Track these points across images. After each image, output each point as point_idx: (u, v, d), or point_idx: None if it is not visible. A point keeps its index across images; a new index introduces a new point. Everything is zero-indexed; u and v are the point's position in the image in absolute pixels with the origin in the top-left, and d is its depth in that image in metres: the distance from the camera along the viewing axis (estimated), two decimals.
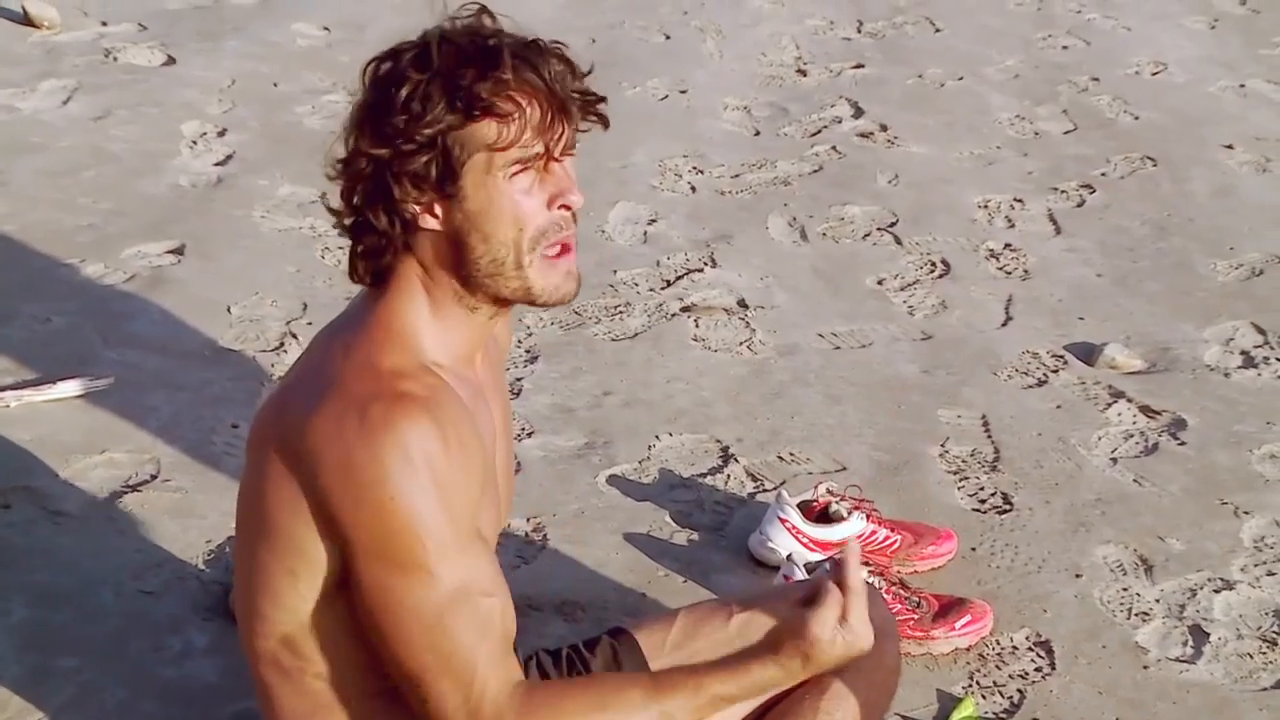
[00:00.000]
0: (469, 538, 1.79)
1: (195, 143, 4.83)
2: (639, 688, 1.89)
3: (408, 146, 1.76)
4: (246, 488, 1.90)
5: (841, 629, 1.91)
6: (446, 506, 1.75)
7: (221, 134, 4.90)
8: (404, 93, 1.76)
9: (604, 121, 1.89)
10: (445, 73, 1.76)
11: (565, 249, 1.85)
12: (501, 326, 2.12)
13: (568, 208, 1.83)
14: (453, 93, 1.75)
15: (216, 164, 4.69)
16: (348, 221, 1.86)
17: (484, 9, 1.84)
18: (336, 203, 1.87)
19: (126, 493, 3.04)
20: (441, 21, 1.82)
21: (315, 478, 1.75)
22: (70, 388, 3.35)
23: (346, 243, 1.89)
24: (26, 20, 5.63)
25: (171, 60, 5.49)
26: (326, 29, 5.86)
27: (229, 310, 3.81)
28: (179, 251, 4.09)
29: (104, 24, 5.77)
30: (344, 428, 1.73)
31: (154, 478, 3.11)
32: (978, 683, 2.72)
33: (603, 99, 1.88)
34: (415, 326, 1.85)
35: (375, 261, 1.85)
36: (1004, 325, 4.07)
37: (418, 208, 1.80)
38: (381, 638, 1.79)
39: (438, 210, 1.81)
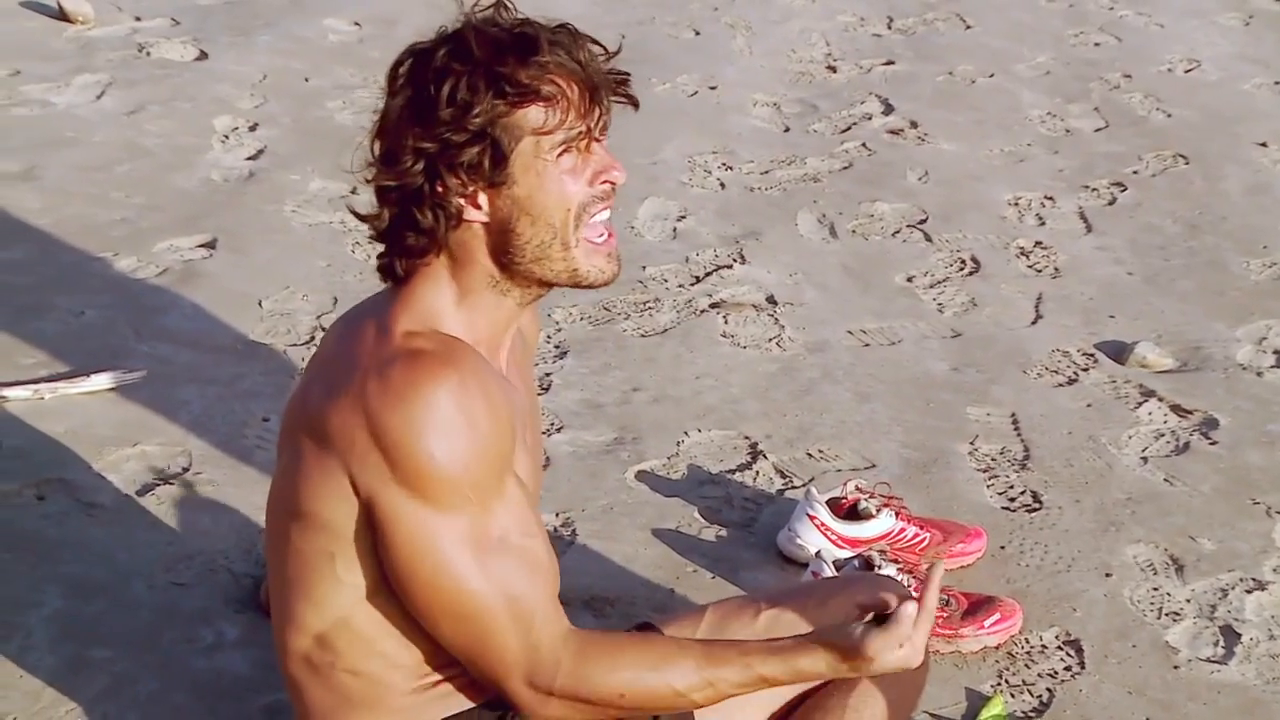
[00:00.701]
0: (509, 482, 1.81)
1: (227, 137, 4.85)
2: (692, 656, 1.90)
3: (458, 138, 1.78)
4: (279, 482, 1.91)
5: (901, 648, 1.90)
6: (480, 452, 1.76)
7: (253, 129, 4.92)
8: (448, 86, 1.77)
9: (633, 102, 1.91)
10: (486, 62, 1.78)
11: (608, 236, 1.90)
12: (529, 321, 2.13)
13: (611, 183, 1.87)
14: (496, 81, 1.77)
15: (248, 158, 4.71)
16: (382, 225, 1.85)
17: (500, 1, 1.85)
18: (364, 208, 1.87)
19: (158, 485, 3.06)
20: (460, 16, 1.83)
21: (349, 451, 1.76)
22: (103, 380, 3.38)
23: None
24: (61, 15, 5.67)
25: (204, 55, 5.51)
26: (357, 24, 5.88)
27: (260, 304, 3.83)
28: (211, 245, 4.12)
29: (137, 19, 5.80)
30: (367, 395, 1.75)
31: (185, 470, 3.12)
32: (1006, 681, 2.71)
33: (629, 75, 1.90)
34: (434, 305, 1.86)
35: (415, 260, 1.85)
36: (1034, 323, 4.06)
37: (463, 200, 1.81)
38: (437, 592, 1.78)
39: (481, 201, 1.82)
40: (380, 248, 1.88)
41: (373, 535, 1.81)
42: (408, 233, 1.83)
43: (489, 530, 1.78)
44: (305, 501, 1.83)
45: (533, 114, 1.79)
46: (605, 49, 1.88)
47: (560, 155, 1.82)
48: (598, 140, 1.86)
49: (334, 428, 1.77)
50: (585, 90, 1.82)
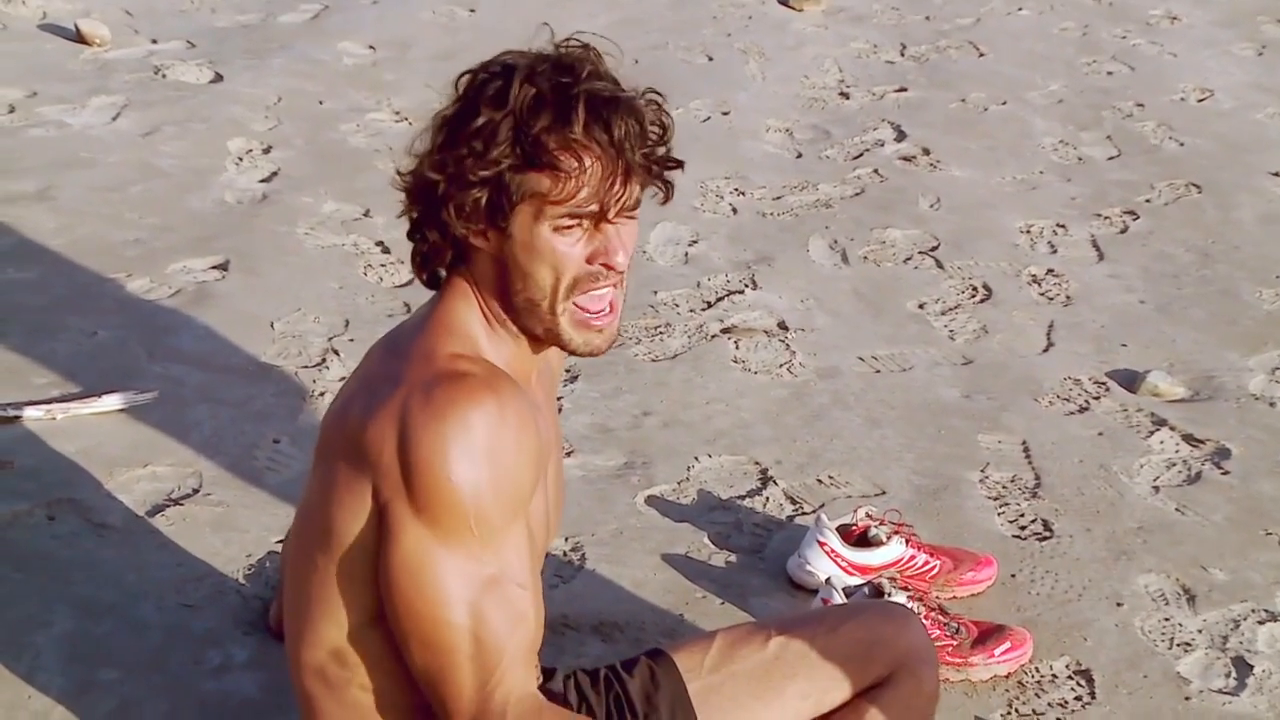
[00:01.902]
0: (517, 524, 1.79)
1: (241, 159, 4.87)
2: None
3: (467, 177, 1.77)
4: (310, 498, 1.91)
5: None
6: (499, 489, 1.75)
7: (267, 151, 4.94)
8: (472, 127, 1.76)
9: (668, 190, 1.86)
10: (518, 114, 1.75)
11: (606, 311, 1.85)
12: (555, 352, 2.13)
13: (608, 266, 1.82)
14: (520, 138, 1.75)
15: (262, 180, 4.73)
16: (408, 227, 1.88)
17: (588, 47, 1.81)
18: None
19: (169, 506, 3.06)
20: (545, 47, 1.80)
21: (377, 464, 1.75)
22: (114, 401, 3.38)
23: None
24: (79, 37, 5.71)
25: (219, 77, 5.54)
26: (372, 48, 5.90)
27: (272, 326, 3.84)
28: (223, 267, 4.13)
29: (154, 41, 5.84)
30: (409, 410, 1.74)
31: (196, 491, 3.13)
32: (1016, 710, 2.70)
33: (677, 164, 1.85)
34: (472, 328, 1.86)
35: (430, 265, 1.89)
36: (1045, 351, 4.05)
37: (465, 232, 1.82)
38: (412, 615, 1.77)
39: (489, 236, 1.82)
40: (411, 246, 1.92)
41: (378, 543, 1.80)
42: (421, 240, 1.86)
43: (483, 569, 1.76)
44: (333, 519, 1.83)
45: (546, 179, 1.76)
46: (664, 130, 1.81)
47: (565, 228, 1.78)
48: (611, 222, 1.80)
49: (369, 440, 1.77)
50: (611, 171, 1.76)
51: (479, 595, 1.76)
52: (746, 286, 4.30)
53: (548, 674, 2.14)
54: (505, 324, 1.88)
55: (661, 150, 1.84)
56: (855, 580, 2.87)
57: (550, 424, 2.01)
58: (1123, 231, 4.86)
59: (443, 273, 1.90)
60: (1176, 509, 3.33)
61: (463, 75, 1.82)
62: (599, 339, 1.87)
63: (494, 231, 1.81)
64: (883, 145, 5.46)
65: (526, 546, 1.83)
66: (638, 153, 1.78)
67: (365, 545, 1.81)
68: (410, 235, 1.89)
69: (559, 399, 3.61)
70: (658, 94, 1.83)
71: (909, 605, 2.70)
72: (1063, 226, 4.85)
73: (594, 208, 1.78)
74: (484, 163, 1.76)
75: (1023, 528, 3.24)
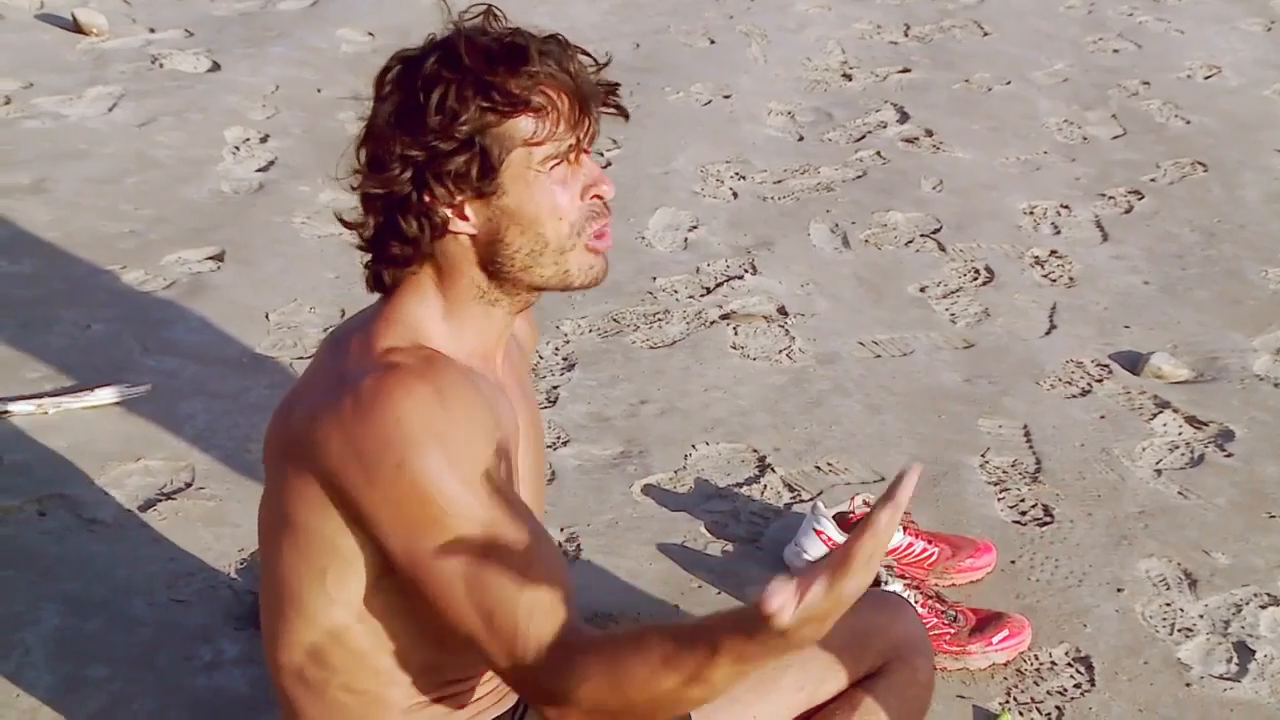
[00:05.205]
0: (488, 490, 1.74)
1: (238, 149, 4.85)
2: (659, 642, 1.65)
3: (445, 146, 1.75)
4: (268, 498, 1.89)
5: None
6: (454, 463, 1.71)
7: (264, 140, 4.92)
8: (437, 94, 1.75)
9: (623, 112, 1.89)
10: (476, 71, 1.75)
11: (603, 238, 1.86)
12: (525, 328, 2.10)
13: (599, 197, 1.84)
14: (486, 90, 1.75)
15: (258, 170, 4.71)
16: (369, 233, 1.84)
17: (490, 9, 1.83)
18: (351, 216, 1.86)
19: (161, 500, 3.05)
20: (449, 24, 1.81)
21: (328, 467, 1.74)
22: (107, 395, 3.36)
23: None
24: (76, 27, 5.68)
25: (216, 66, 5.51)
26: (371, 35, 5.87)
27: (267, 317, 3.82)
28: (219, 258, 4.11)
29: (151, 31, 5.81)
30: (341, 409, 1.73)
31: (189, 485, 3.11)
32: (1015, 699, 2.67)
33: (618, 85, 1.88)
34: (419, 319, 1.84)
35: (400, 269, 1.84)
36: (1048, 334, 4.02)
37: (449, 211, 1.79)
38: (432, 609, 1.75)
39: (469, 212, 1.80)
40: (367, 257, 1.86)
41: (367, 551, 1.78)
42: (393, 241, 1.81)
43: (468, 541, 1.72)
44: (294, 515, 1.81)
45: (523, 124, 1.76)
46: (595, 59, 1.86)
47: (552, 167, 1.79)
48: (585, 152, 1.83)
49: (313, 440, 1.75)
50: (575, 101, 1.79)
51: (475, 570, 1.72)
52: (746, 272, 4.26)
53: None
54: (483, 296, 1.85)
55: (603, 77, 1.87)
56: None
57: (522, 407, 1.98)
58: (1127, 212, 4.81)
59: (388, 278, 1.86)
60: (1179, 492, 3.29)
61: (387, 69, 1.80)
62: (601, 263, 1.87)
63: (477, 201, 1.79)
64: (885, 127, 5.41)
65: (506, 503, 1.76)
66: (590, 82, 1.82)
67: (330, 545, 1.79)
68: (373, 243, 1.84)
69: (555, 388, 3.59)
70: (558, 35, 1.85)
71: (905, 594, 2.68)
72: (1066, 207, 4.81)
73: (571, 140, 1.80)
74: (459, 123, 1.74)
75: (1023, 513, 3.21)
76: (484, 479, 1.76)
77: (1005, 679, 2.71)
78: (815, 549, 2.92)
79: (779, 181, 4.90)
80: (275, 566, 1.88)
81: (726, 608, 2.72)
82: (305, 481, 1.77)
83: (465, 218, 1.80)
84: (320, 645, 1.87)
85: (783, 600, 1.47)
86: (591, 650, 1.71)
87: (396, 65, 1.81)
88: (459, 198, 1.79)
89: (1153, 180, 5.05)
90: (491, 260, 1.83)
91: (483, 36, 1.79)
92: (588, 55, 1.85)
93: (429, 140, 1.76)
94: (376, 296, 1.92)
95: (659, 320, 3.96)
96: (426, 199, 1.78)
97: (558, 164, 1.80)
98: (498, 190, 1.79)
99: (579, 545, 3.02)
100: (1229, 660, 2.78)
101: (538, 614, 1.72)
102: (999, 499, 3.25)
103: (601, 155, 4.88)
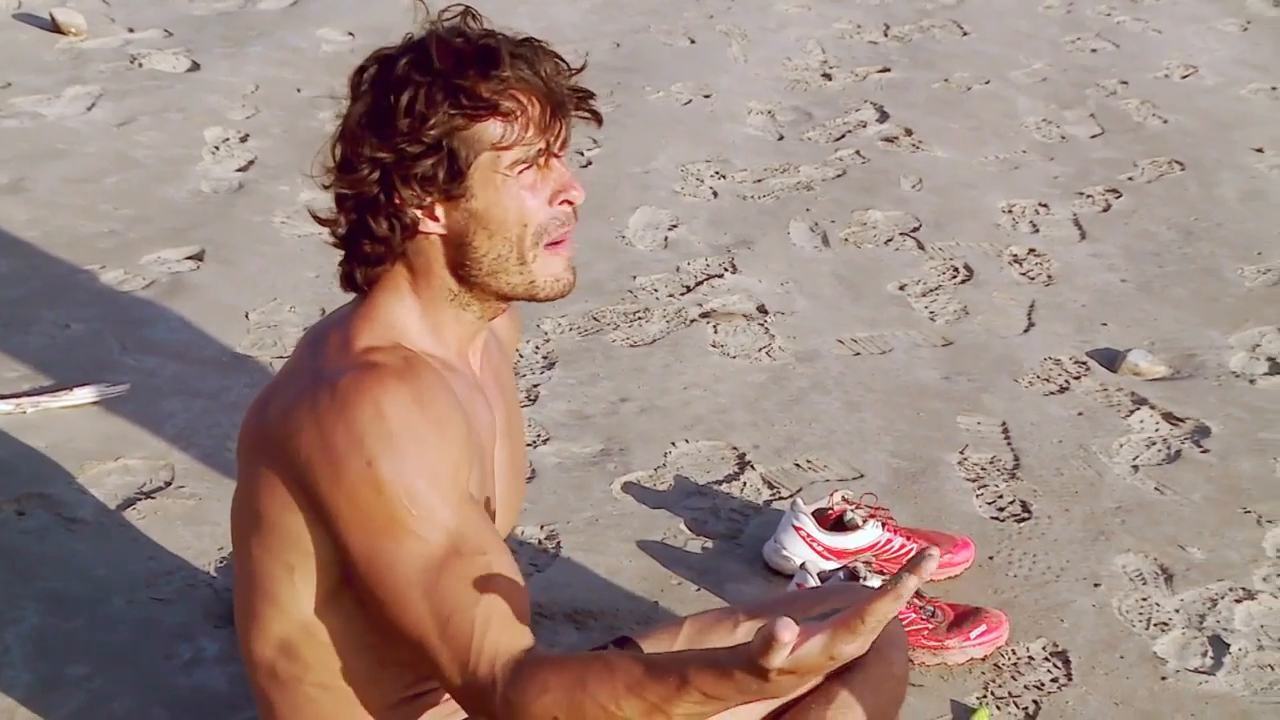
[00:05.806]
0: (456, 498, 1.75)
1: (217, 149, 4.84)
2: (625, 673, 1.67)
3: (413, 149, 1.76)
4: (239, 494, 1.90)
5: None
6: (426, 467, 1.72)
7: (244, 140, 4.91)
8: (406, 96, 1.76)
9: (597, 118, 1.90)
10: (446, 74, 1.76)
11: (563, 241, 1.87)
12: (506, 325, 2.11)
13: (569, 203, 1.85)
14: (455, 94, 1.76)
15: (238, 170, 4.70)
16: (341, 231, 1.85)
17: (468, 10, 1.84)
18: (326, 214, 1.87)
19: (140, 499, 3.05)
20: (425, 25, 1.82)
21: (297, 461, 1.74)
22: (86, 394, 3.36)
23: None
24: (54, 27, 5.67)
25: (196, 66, 5.51)
26: (351, 34, 5.87)
27: (247, 316, 3.82)
28: (199, 258, 4.10)
29: (130, 30, 5.80)
30: (317, 404, 1.73)
31: (168, 484, 3.11)
32: (992, 693, 2.69)
33: (593, 94, 1.89)
34: (397, 318, 1.84)
35: (372, 269, 1.85)
36: (1026, 331, 4.03)
37: (419, 212, 1.80)
38: (384, 612, 1.75)
39: (439, 213, 1.81)
40: (340, 255, 1.87)
41: (331, 549, 1.78)
42: (364, 240, 1.82)
43: (431, 548, 1.72)
44: (263, 511, 1.82)
45: (491, 128, 1.77)
46: (569, 66, 1.86)
47: (521, 171, 1.80)
48: (556, 156, 1.84)
49: (286, 434, 1.75)
50: (546, 106, 1.80)
51: (434, 575, 1.72)
52: (726, 270, 4.27)
53: None
54: (454, 299, 1.86)
55: (578, 83, 1.87)
56: (831, 565, 2.86)
57: (500, 404, 1.98)
58: (1105, 210, 4.84)
59: (360, 276, 1.87)
60: (1155, 488, 3.31)
61: (362, 69, 1.81)
62: (568, 274, 1.87)
63: (446, 204, 1.80)
64: (865, 126, 5.43)
65: (474, 512, 1.78)
66: (563, 87, 1.82)
67: (298, 542, 1.79)
68: (346, 241, 1.85)
69: (536, 386, 3.59)
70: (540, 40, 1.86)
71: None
72: (1045, 206, 4.83)
73: (540, 145, 1.80)
74: (428, 126, 1.74)
75: (1001, 509, 3.22)
76: (452, 486, 1.76)
77: (983, 674, 2.73)
78: (795, 546, 2.94)
79: (759, 180, 4.92)
80: (246, 563, 1.89)
81: (705, 607, 2.75)
82: (277, 478, 1.78)
83: (436, 218, 1.81)
84: (291, 640, 1.87)
85: (790, 637, 1.48)
86: (552, 667, 1.70)
87: (372, 65, 1.82)
88: (428, 199, 1.80)
89: (1130, 179, 5.07)
90: (460, 264, 1.83)
91: (457, 39, 1.80)
92: (562, 60, 1.85)
93: (397, 143, 1.77)
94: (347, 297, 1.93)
95: (639, 319, 3.97)
96: (396, 200, 1.79)
97: (526, 168, 1.80)
98: (466, 193, 1.79)
99: (559, 542, 3.02)
100: (1204, 654, 2.80)
101: (494, 624, 1.72)
102: (977, 495, 3.27)
103: (582, 154, 4.90)
